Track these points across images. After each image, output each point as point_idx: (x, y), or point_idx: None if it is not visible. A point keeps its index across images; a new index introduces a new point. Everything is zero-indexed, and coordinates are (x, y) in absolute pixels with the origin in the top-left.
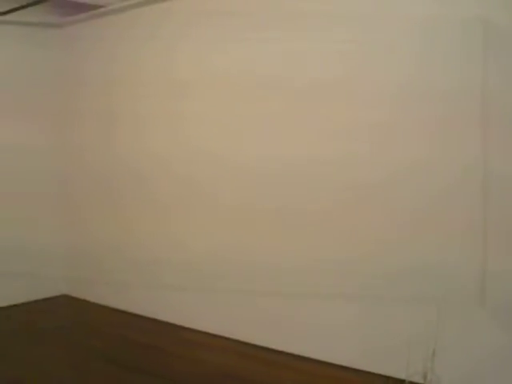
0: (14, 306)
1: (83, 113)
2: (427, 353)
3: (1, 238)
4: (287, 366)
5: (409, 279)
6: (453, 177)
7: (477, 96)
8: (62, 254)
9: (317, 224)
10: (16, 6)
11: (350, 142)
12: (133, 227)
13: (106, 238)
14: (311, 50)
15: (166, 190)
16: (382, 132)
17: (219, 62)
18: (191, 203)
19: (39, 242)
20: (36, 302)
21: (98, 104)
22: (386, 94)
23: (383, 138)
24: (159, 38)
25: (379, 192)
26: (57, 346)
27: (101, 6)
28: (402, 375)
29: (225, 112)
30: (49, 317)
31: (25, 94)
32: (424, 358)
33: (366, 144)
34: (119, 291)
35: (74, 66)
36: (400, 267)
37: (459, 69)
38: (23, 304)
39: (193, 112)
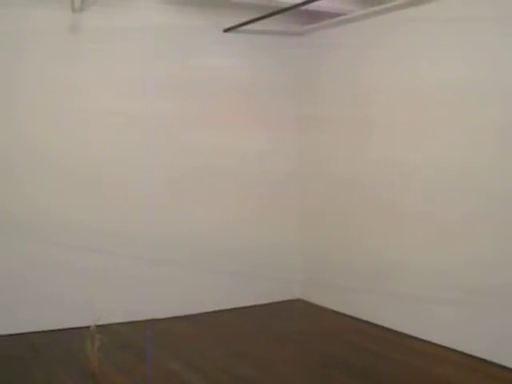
0: (252, 307)
1: (323, 118)
2: None
3: (242, 240)
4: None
5: None
6: None
7: None
8: (300, 259)
9: None
10: (260, 15)
11: None
12: (367, 234)
13: (343, 245)
14: None
15: (403, 198)
16: None
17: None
18: (423, 210)
19: (278, 245)
20: (272, 304)
21: (338, 110)
22: None
23: None
24: (396, 45)
25: None
26: (290, 349)
27: (340, 14)
28: None
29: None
30: (284, 320)
31: (269, 99)
32: None
33: None
34: (352, 298)
35: (314, 72)
36: None
37: None
38: (260, 306)
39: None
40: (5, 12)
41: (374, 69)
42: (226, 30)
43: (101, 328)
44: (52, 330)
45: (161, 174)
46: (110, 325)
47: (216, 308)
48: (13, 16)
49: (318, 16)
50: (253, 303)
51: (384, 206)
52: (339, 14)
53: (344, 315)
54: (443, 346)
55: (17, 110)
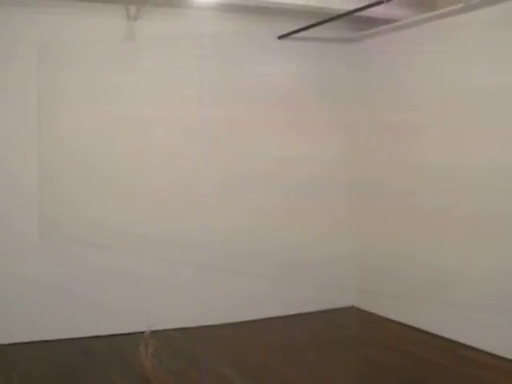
0: (304, 314)
1: (375, 125)
2: None
3: (294, 247)
4: None
5: None
6: None
7: None
8: (352, 266)
9: None
10: (313, 22)
11: None
12: (422, 242)
13: (396, 251)
14: None
15: (457, 204)
16: None
17: None
18: (478, 217)
19: (330, 253)
20: (325, 311)
21: (391, 116)
22: None
23: None
24: (450, 51)
25: None
26: (343, 357)
27: (394, 21)
28: None
29: None
30: (336, 327)
31: (320, 105)
32: None
33: None
34: (406, 306)
35: (366, 79)
36: None
37: None
38: (313, 313)
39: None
40: (62, 20)
41: (426, 75)
42: (280, 37)
43: (155, 334)
44: (106, 336)
45: (212, 180)
46: (163, 331)
47: (269, 315)
48: (69, 24)
49: (371, 22)
50: (305, 310)
51: (438, 212)
52: (392, 20)
53: (398, 323)
54: (502, 357)
55: (73, 118)
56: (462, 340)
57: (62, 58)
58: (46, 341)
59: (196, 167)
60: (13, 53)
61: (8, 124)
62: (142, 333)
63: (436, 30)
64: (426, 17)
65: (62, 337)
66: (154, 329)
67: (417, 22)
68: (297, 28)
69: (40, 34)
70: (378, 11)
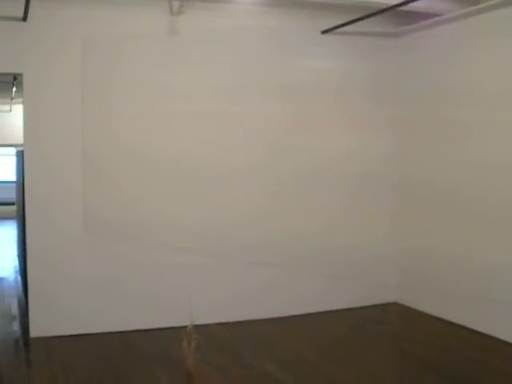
0: (346, 309)
1: (419, 120)
2: None
3: (336, 243)
4: None
5: None
6: None
7: None
8: (395, 262)
9: None
10: (357, 17)
11: None
12: (465, 238)
13: (439, 248)
14: None
15: (499, 200)
16: None
17: None
18: None
19: (374, 248)
20: (367, 307)
21: (436, 112)
22: None
23: None
24: (495, 45)
25: None
26: (383, 352)
27: (437, 15)
28: None
29: None
30: (378, 323)
31: (364, 101)
32: None
33: None
34: (450, 302)
35: (410, 74)
36: None
37: None
38: (354, 309)
39: None
40: (104, 15)
41: (471, 70)
42: (324, 32)
43: (197, 328)
44: (149, 329)
45: (257, 176)
46: (206, 325)
47: (310, 310)
48: (112, 19)
49: (415, 17)
50: (347, 306)
51: (482, 210)
52: (436, 15)
53: (441, 320)
54: None
55: (118, 112)
56: (503, 337)
57: (107, 52)
58: (89, 334)
59: (247, 162)
60: (58, 48)
61: (54, 119)
62: (185, 327)
63: (481, 24)
64: (471, 10)
65: (105, 330)
66: (196, 323)
67: (461, 15)
68: (340, 23)
69: (84, 30)
70: (421, 5)
